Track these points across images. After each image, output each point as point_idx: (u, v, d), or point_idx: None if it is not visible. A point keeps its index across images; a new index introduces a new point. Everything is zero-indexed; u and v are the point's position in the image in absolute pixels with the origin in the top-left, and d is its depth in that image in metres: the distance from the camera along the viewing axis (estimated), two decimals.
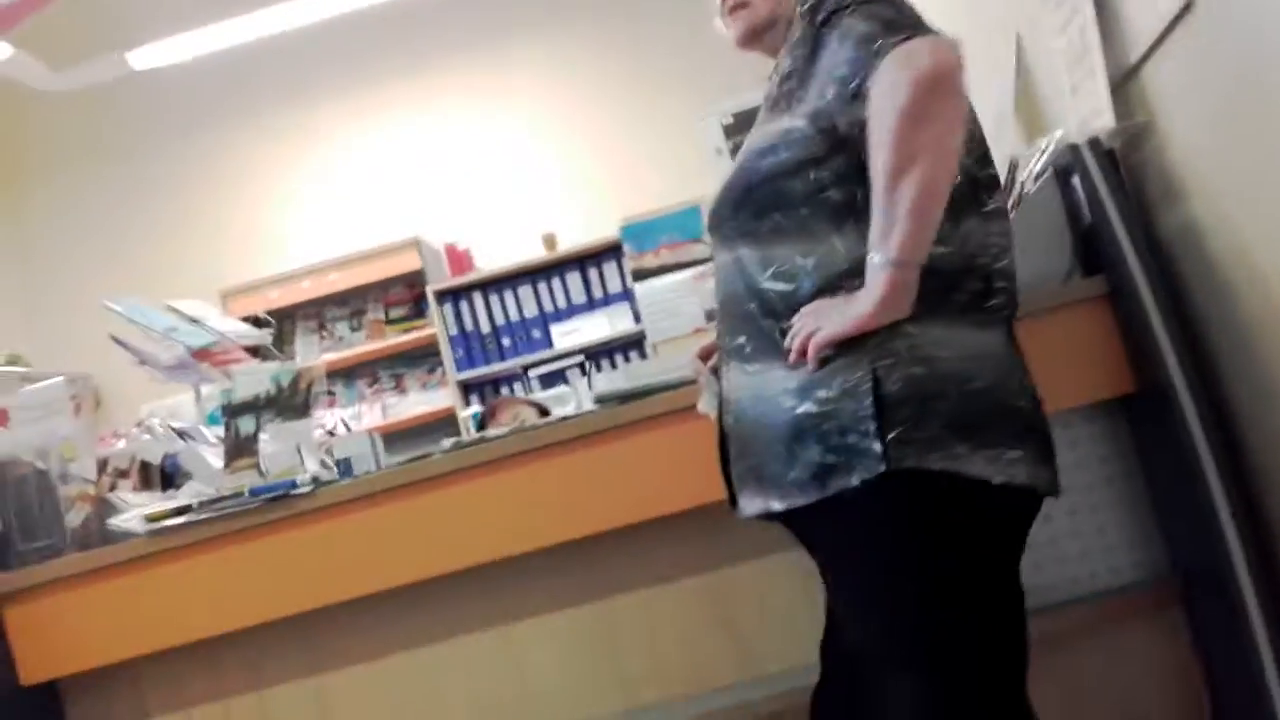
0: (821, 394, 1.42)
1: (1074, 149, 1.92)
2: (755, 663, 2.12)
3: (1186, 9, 1.62)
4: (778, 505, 1.49)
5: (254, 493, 2.07)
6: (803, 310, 1.45)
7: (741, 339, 1.53)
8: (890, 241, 1.37)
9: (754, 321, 1.51)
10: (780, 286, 1.48)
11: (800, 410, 1.44)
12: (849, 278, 1.44)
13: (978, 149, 1.52)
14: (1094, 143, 1.91)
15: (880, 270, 1.38)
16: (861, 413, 1.39)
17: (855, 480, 1.39)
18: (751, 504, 1.55)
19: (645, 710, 2.11)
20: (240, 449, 2.36)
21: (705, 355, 1.78)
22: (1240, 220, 1.69)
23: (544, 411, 2.62)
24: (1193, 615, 2.02)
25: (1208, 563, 1.84)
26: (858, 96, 1.41)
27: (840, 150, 1.46)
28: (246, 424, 2.38)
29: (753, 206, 1.52)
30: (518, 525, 2.03)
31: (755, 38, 1.67)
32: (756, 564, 2.11)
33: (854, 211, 1.45)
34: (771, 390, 1.48)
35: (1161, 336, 1.84)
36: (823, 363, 1.42)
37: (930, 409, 1.39)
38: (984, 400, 1.42)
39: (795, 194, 1.48)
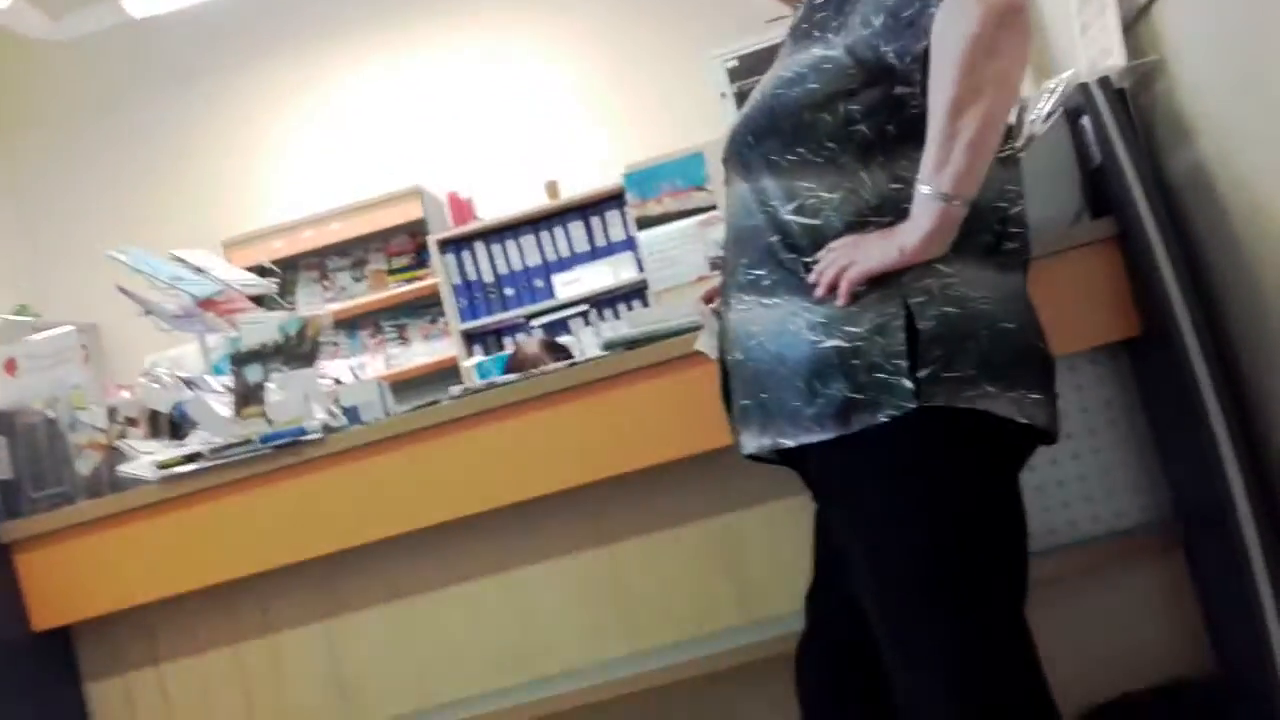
0: (850, 329, 1.40)
1: (1084, 89, 1.90)
2: (759, 606, 2.14)
3: None
4: (788, 441, 1.47)
5: (264, 440, 2.08)
6: (834, 244, 1.42)
7: (760, 271, 1.50)
8: (945, 174, 1.35)
9: (775, 254, 1.48)
10: (805, 220, 1.45)
11: (826, 345, 1.41)
12: (876, 214, 1.42)
13: None
14: (1104, 82, 1.89)
15: (930, 202, 1.36)
16: (893, 349, 1.38)
17: (882, 416, 1.38)
18: (756, 440, 1.53)
19: (650, 653, 2.13)
20: (248, 397, 2.36)
21: (709, 299, 1.77)
22: (1248, 161, 1.68)
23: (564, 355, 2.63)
24: (1194, 557, 2.04)
25: (1210, 505, 1.84)
26: (912, 25, 1.37)
27: (876, 83, 1.43)
28: (253, 373, 2.38)
29: (778, 137, 1.48)
30: (525, 471, 2.04)
31: None
32: (761, 509, 2.12)
33: (884, 148, 1.43)
34: (793, 324, 1.45)
35: (1168, 279, 1.84)
36: (853, 298, 1.40)
37: (962, 348, 1.38)
38: (1013, 341, 1.42)
39: (823, 127, 1.45)
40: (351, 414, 2.30)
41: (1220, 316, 1.88)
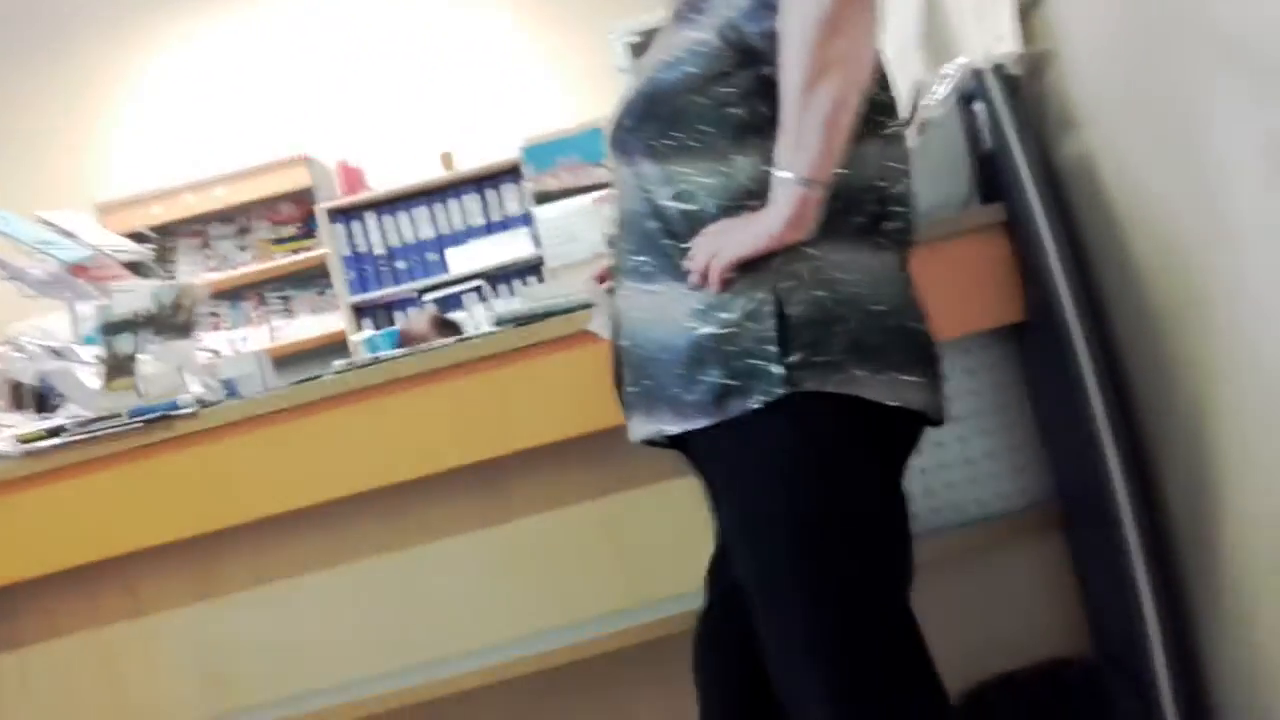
0: (723, 316, 1.40)
1: (977, 74, 1.92)
2: (647, 587, 2.12)
3: None
4: (672, 428, 1.47)
5: (133, 414, 1.98)
6: (704, 231, 1.42)
7: (642, 258, 1.49)
8: (800, 156, 1.34)
9: (654, 240, 1.47)
10: (682, 206, 1.45)
11: (702, 332, 1.41)
12: (751, 198, 1.41)
13: (878, 71, 1.50)
14: (998, 69, 1.91)
15: (788, 187, 1.35)
16: (764, 334, 1.38)
17: (754, 402, 1.38)
18: (643, 427, 1.52)
19: (538, 635, 2.10)
20: (118, 369, 2.26)
21: (601, 278, 1.75)
22: (1132, 152, 1.71)
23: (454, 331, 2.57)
24: (1075, 540, 2.08)
25: (1090, 489, 1.88)
26: (771, 6, 1.37)
27: (747, 65, 1.42)
28: (124, 343, 2.27)
29: (655, 122, 1.47)
30: (412, 449, 1.98)
31: None
32: (651, 489, 2.10)
33: (758, 130, 1.42)
34: (673, 311, 1.45)
35: (1055, 266, 1.87)
36: (726, 284, 1.39)
37: (832, 332, 1.38)
38: (884, 323, 1.42)
39: (699, 110, 1.44)
40: (229, 387, 2.21)
41: (1103, 304, 1.92)
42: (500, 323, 2.02)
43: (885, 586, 1.45)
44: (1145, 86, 1.61)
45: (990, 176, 2.00)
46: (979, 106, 1.97)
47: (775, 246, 1.37)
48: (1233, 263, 1.47)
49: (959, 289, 1.90)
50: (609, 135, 1.55)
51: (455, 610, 2.12)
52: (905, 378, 1.42)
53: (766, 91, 1.41)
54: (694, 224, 1.43)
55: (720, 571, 1.67)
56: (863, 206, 1.44)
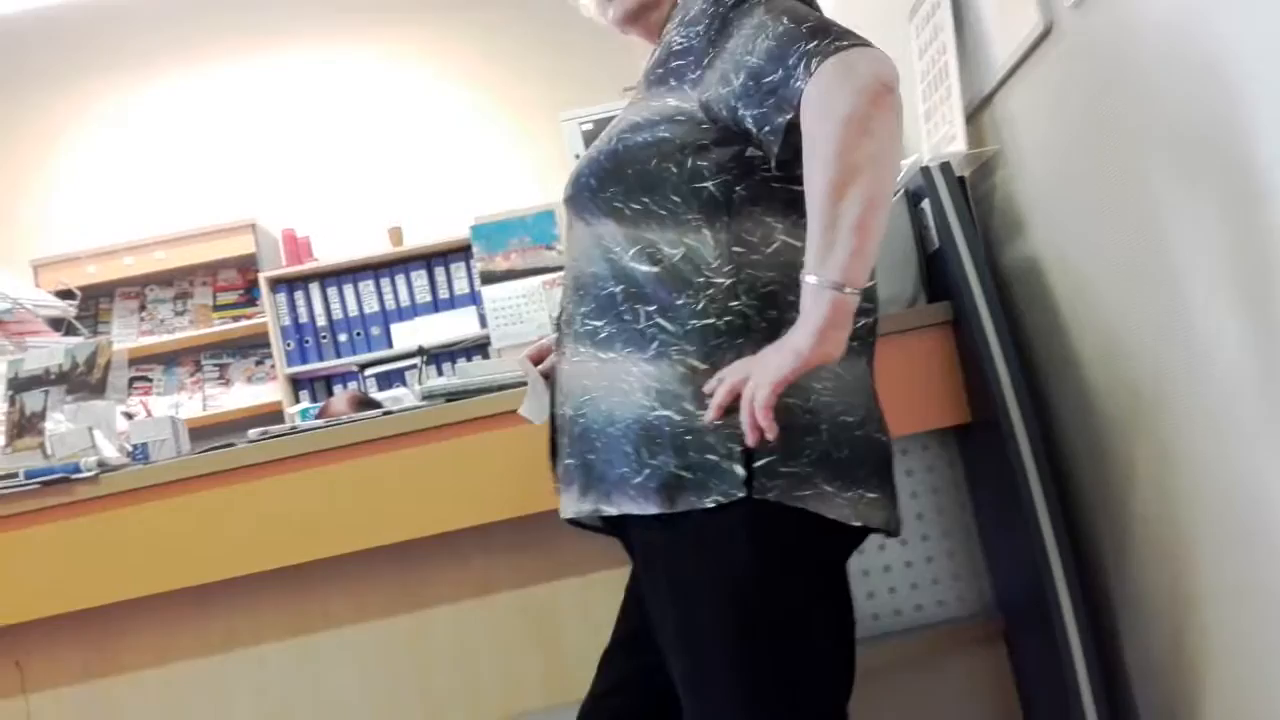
0: (684, 404, 1.33)
1: (925, 172, 1.90)
2: (571, 686, 2.01)
3: (1045, 35, 1.61)
4: (611, 509, 1.38)
5: (29, 475, 1.87)
6: (729, 367, 1.31)
7: (598, 322, 1.41)
8: (831, 261, 1.24)
9: (614, 305, 1.39)
10: (648, 268, 1.37)
11: (659, 413, 1.33)
12: (716, 275, 1.35)
13: None
14: (945, 167, 1.90)
15: (820, 292, 1.25)
16: (728, 431, 1.30)
17: (709, 501, 1.30)
18: (576, 504, 1.43)
19: None
20: (25, 427, 2.15)
21: (536, 358, 1.65)
22: (1077, 256, 1.69)
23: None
24: (1015, 648, 2.02)
25: (1032, 598, 1.83)
26: (774, 94, 1.30)
27: (728, 142, 1.37)
28: (34, 400, 2.17)
29: (622, 183, 1.41)
30: (325, 526, 1.88)
31: (637, 18, 1.56)
32: (578, 580, 2.01)
33: (729, 209, 1.36)
34: (627, 384, 1.37)
35: (1000, 368, 1.83)
36: (693, 370, 1.32)
37: (801, 443, 1.32)
38: (852, 436, 1.36)
39: (669, 179, 1.38)
40: (140, 452, 2.10)
41: (1048, 407, 1.89)
42: (427, 396, 1.94)
43: (822, 702, 1.37)
44: (1091, 187, 1.60)
45: (937, 275, 1.98)
46: (927, 204, 1.95)
47: (811, 364, 1.25)
48: (1178, 366, 1.44)
49: (904, 388, 1.86)
50: (568, 191, 1.49)
51: (362, 703, 2.00)
52: (870, 495, 1.37)
53: (744, 171, 1.36)
54: (662, 288, 1.36)
55: (626, 653, 1.57)
56: None
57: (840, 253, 1.24)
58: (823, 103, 1.25)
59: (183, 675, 1.99)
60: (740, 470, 1.30)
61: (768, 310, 1.35)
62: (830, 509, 1.32)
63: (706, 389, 1.31)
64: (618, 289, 1.39)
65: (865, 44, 1.28)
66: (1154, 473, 1.56)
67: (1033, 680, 1.96)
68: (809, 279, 1.26)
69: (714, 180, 1.37)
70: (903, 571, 2.06)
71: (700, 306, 1.35)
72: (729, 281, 1.34)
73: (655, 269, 1.37)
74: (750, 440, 1.27)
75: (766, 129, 1.31)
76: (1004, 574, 2.01)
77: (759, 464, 1.30)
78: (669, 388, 1.34)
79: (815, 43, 1.27)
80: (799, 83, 1.27)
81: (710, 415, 1.29)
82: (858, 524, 1.34)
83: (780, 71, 1.29)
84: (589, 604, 2.01)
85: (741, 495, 1.29)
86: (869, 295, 1.43)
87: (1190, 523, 1.49)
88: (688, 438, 1.32)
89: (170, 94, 4.98)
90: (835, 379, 1.36)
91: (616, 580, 1.99)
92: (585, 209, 1.46)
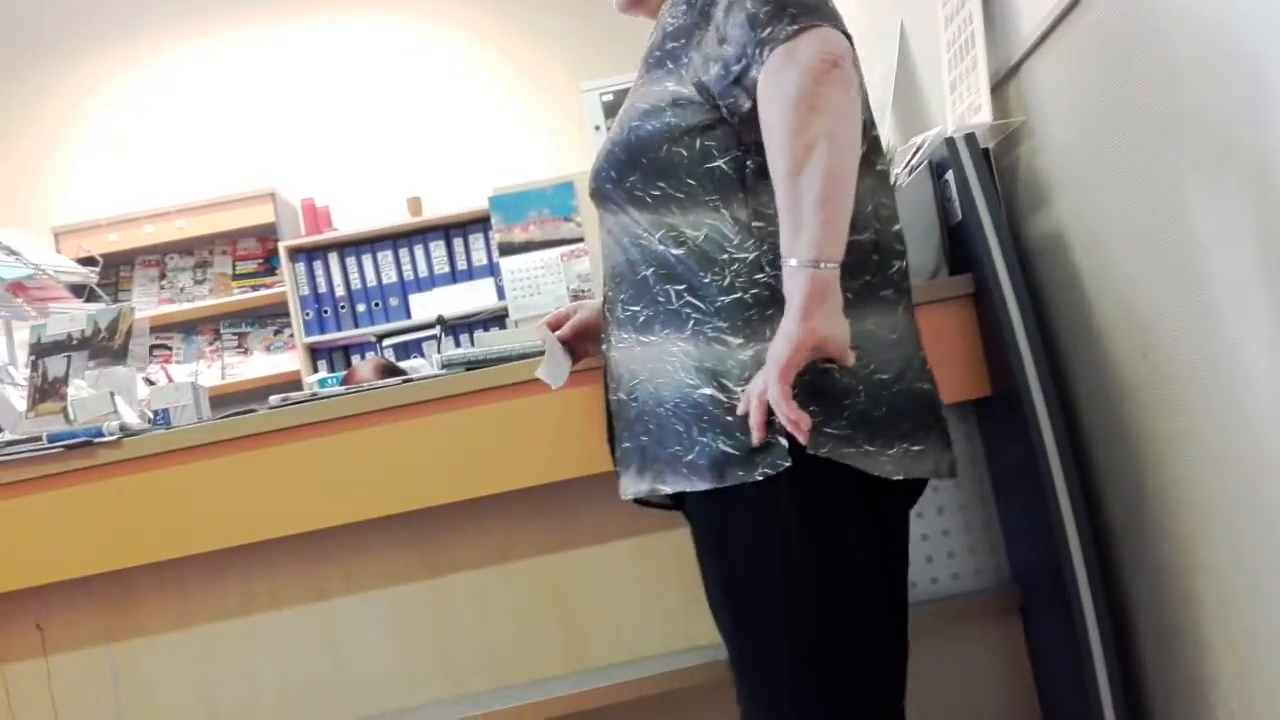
0: (726, 382, 1.35)
1: (950, 143, 1.88)
2: (588, 654, 2.03)
3: (1074, 4, 1.59)
4: (666, 487, 1.42)
5: (52, 439, 1.88)
6: (750, 386, 1.32)
7: (636, 307, 1.45)
8: (801, 239, 1.28)
9: (649, 288, 1.43)
10: (676, 251, 1.40)
11: (702, 391, 1.36)
12: (740, 250, 1.37)
13: (865, 108, 1.46)
14: (969, 139, 1.88)
15: (796, 273, 1.28)
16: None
17: (758, 475, 1.33)
18: (634, 484, 1.47)
19: (469, 698, 2.00)
20: (47, 392, 2.16)
21: (554, 324, 1.70)
22: (1102, 229, 1.68)
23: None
24: (1030, 624, 2.01)
25: (1048, 571, 1.82)
26: (739, 82, 1.35)
27: (726, 122, 1.40)
28: (56, 365, 2.18)
29: (639, 171, 1.44)
30: (345, 492, 1.89)
31: (639, 1, 1.59)
32: (597, 548, 2.02)
33: (743, 184, 1.38)
34: (671, 364, 1.40)
35: (1020, 341, 1.82)
36: (725, 342, 1.34)
37: (840, 405, 1.34)
38: (892, 392, 1.38)
39: (682, 162, 1.41)
40: (161, 418, 2.11)
41: (1068, 381, 1.88)
42: (446, 365, 1.94)
43: (873, 660, 1.38)
44: (1118, 160, 1.58)
45: (960, 247, 1.96)
46: (950, 176, 1.93)
47: (806, 341, 1.27)
48: (1202, 344, 1.43)
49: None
50: (591, 186, 1.53)
51: (382, 667, 2.02)
52: (915, 447, 1.39)
53: (747, 148, 1.38)
54: (692, 267, 1.39)
55: None
56: (865, 263, 1.40)
57: (809, 230, 1.28)
58: (770, 90, 1.31)
59: (202, 639, 2.00)
60: (784, 441, 1.32)
61: None
62: (874, 466, 1.35)
63: (739, 412, 1.33)
64: (649, 272, 1.43)
65: (817, 23, 1.31)
66: (1173, 449, 1.56)
67: (1048, 653, 1.96)
68: (789, 262, 1.29)
69: (724, 158, 1.40)
70: (919, 544, 2.06)
71: (727, 283, 1.37)
72: (752, 255, 1.36)
73: (681, 251, 1.40)
74: (796, 434, 1.28)
75: (736, 118, 1.37)
76: (1020, 547, 2.00)
77: None
78: (707, 364, 1.37)
79: (770, 28, 1.31)
80: (754, 71, 1.32)
81: (756, 437, 1.31)
82: (899, 478, 1.36)
83: (742, 61, 1.34)
84: (607, 572, 2.02)
85: (787, 465, 1.31)
86: (900, 238, 1.46)
87: (1208, 499, 1.48)
88: (730, 418, 1.35)
89: (191, 63, 4.98)
90: (870, 336, 1.38)
91: (635, 548, 2.01)
92: (610, 200, 1.50)
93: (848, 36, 1.35)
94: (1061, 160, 1.79)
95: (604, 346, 1.55)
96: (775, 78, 1.30)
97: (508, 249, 4.39)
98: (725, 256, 1.37)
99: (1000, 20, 1.88)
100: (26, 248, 2.78)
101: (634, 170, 1.45)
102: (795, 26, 1.30)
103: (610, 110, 4.23)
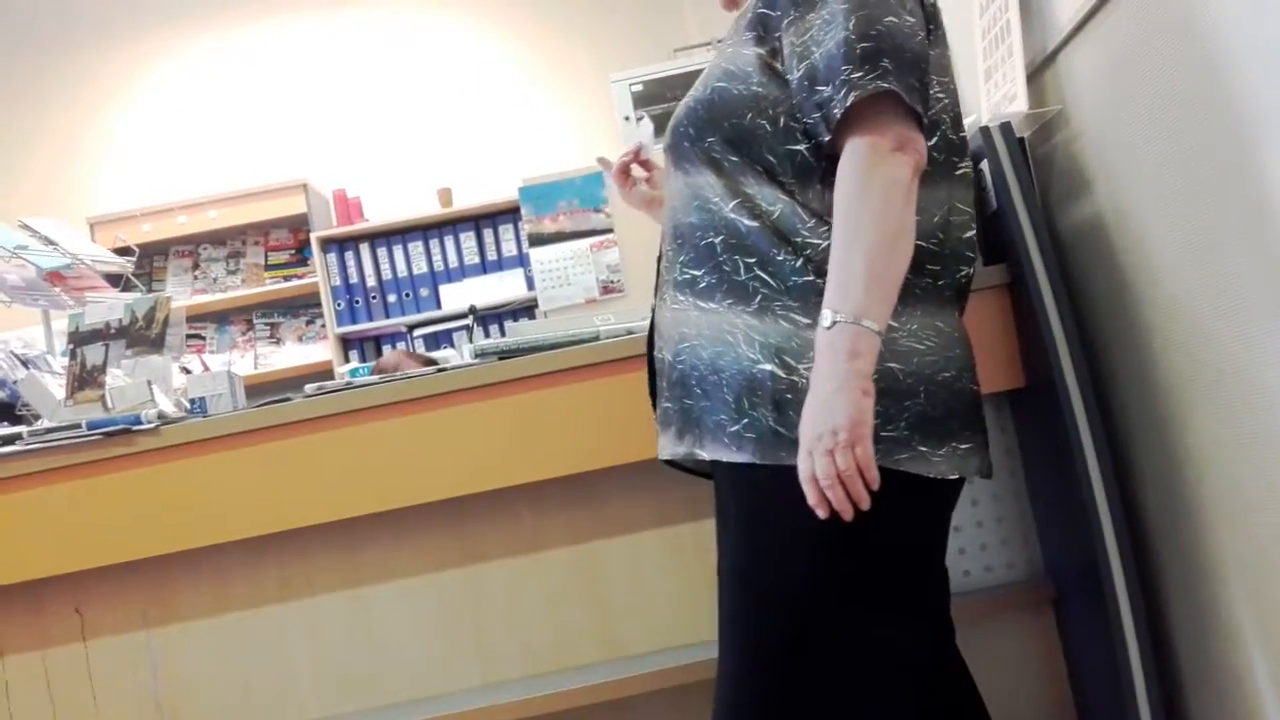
0: (791, 359, 1.33)
1: (985, 132, 1.87)
2: (621, 642, 2.03)
3: None
4: (704, 454, 1.39)
5: (92, 426, 1.91)
6: (801, 465, 1.27)
7: (698, 272, 1.42)
8: (848, 297, 1.26)
9: (715, 255, 1.40)
10: (750, 222, 1.38)
11: (762, 367, 1.34)
12: (814, 234, 1.36)
13: (953, 109, 1.47)
14: (1005, 128, 1.86)
15: (833, 331, 1.26)
16: None
17: None
18: (672, 446, 1.45)
19: (502, 685, 2.01)
20: (85, 380, 2.18)
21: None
22: (1139, 220, 1.66)
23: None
24: (1063, 617, 2.00)
25: (1082, 565, 1.81)
26: (821, 109, 1.34)
27: None
28: (94, 354, 2.20)
29: (719, 135, 1.42)
30: (381, 481, 1.91)
31: None
32: (627, 538, 2.02)
33: (822, 177, 1.37)
34: (731, 335, 1.37)
35: (1056, 332, 1.81)
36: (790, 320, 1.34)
37: (901, 407, 1.33)
38: (948, 393, 1.37)
39: (764, 135, 1.39)
40: (198, 406, 2.13)
41: (1104, 372, 1.86)
42: (480, 354, 1.95)
43: (878, 665, 1.37)
44: (1154, 150, 1.57)
45: (995, 237, 1.95)
46: (985, 165, 1.92)
47: (854, 407, 1.24)
48: (1236, 335, 1.42)
49: None
50: (668, 139, 1.49)
51: (416, 654, 2.03)
52: (962, 446, 1.37)
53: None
54: (765, 241, 1.37)
55: None
56: (937, 258, 1.40)
57: (858, 292, 1.27)
58: (849, 180, 1.31)
59: (239, 625, 2.03)
60: None
61: None
62: (926, 467, 1.33)
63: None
64: (717, 239, 1.40)
65: (899, 87, 1.31)
66: (1209, 440, 1.54)
67: (1081, 647, 1.95)
68: (824, 316, 1.28)
69: (805, 144, 1.38)
70: (952, 536, 2.04)
71: (799, 264, 1.36)
72: (825, 243, 1.35)
73: (755, 223, 1.38)
74: (848, 512, 1.25)
75: (815, 141, 1.37)
76: (1054, 540, 1.99)
77: None
78: (773, 341, 1.35)
79: (861, 73, 1.30)
80: (837, 109, 1.31)
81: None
82: (954, 477, 1.35)
83: (829, 88, 1.33)
84: (638, 561, 2.03)
85: None
86: (971, 245, 1.46)
87: (1245, 491, 1.47)
88: (789, 396, 1.32)
89: (225, 54, 5.02)
90: (936, 336, 1.38)
91: (666, 538, 2.01)
92: (685, 158, 1.47)
93: (922, 100, 1.35)
94: (1097, 149, 1.77)
95: (655, 302, 1.53)
96: (857, 173, 1.30)
97: (537, 239, 4.41)
98: (799, 240, 1.36)
99: (1036, 8, 1.87)
100: (63, 237, 2.82)
101: (714, 131, 1.42)
102: (883, 85, 1.30)
103: (640, 101, 4.23)
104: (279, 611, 2.02)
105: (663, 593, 2.02)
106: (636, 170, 1.82)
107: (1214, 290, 1.47)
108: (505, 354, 1.94)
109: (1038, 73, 1.91)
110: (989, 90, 2.06)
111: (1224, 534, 1.55)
